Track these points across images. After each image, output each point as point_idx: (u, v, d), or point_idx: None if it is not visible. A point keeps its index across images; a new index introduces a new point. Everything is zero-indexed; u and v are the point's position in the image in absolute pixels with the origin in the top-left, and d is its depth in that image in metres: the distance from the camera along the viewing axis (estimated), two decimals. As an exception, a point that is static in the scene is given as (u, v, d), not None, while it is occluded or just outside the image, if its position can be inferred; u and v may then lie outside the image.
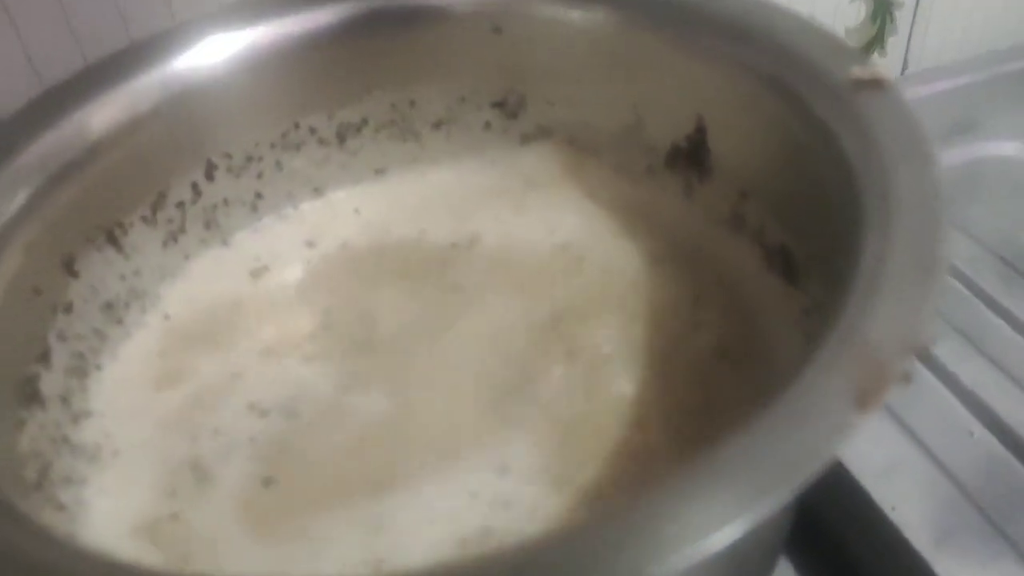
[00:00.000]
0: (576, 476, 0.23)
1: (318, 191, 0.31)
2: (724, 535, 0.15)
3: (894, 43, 0.47)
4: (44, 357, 0.24)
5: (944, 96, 0.45)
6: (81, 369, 0.25)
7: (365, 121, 0.31)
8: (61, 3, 0.32)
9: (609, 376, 0.25)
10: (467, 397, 0.25)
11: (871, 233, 0.19)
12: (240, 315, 0.28)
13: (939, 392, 0.33)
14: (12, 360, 0.23)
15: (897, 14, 0.46)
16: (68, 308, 0.25)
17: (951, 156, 0.41)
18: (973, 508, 0.29)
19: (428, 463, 0.23)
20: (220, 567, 0.21)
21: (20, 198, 0.24)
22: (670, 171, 0.29)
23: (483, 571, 0.15)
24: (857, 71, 0.23)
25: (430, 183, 0.31)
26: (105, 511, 0.22)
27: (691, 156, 0.29)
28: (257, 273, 0.29)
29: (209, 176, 0.29)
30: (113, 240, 0.27)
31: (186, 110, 0.27)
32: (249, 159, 0.29)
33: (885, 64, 0.47)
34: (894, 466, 0.30)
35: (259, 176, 0.30)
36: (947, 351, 0.34)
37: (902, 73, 0.48)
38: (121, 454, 0.24)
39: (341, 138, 0.31)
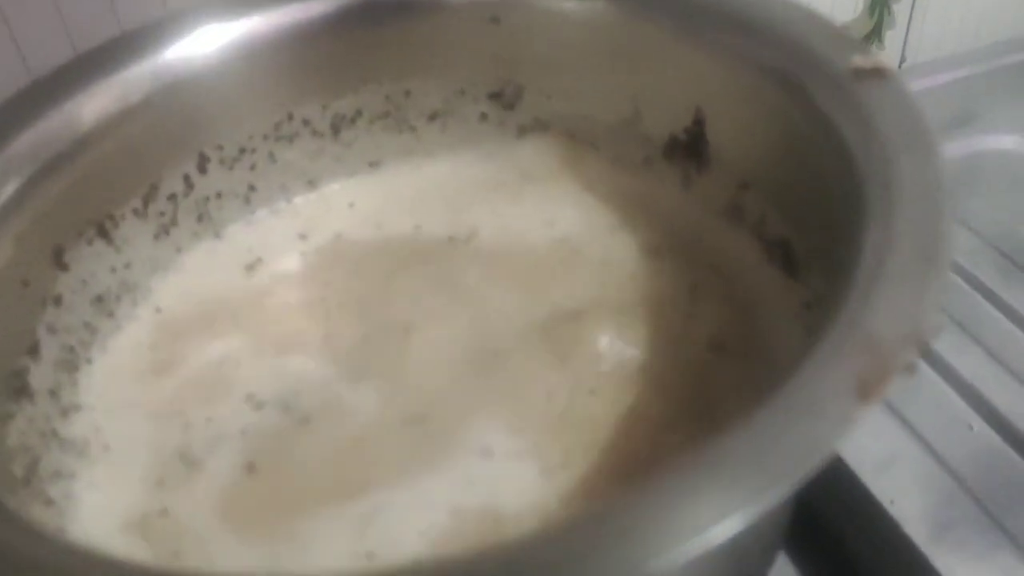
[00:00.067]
0: (572, 469, 0.22)
1: (312, 184, 0.31)
2: (724, 529, 0.14)
3: (892, 36, 0.47)
4: (33, 350, 0.24)
5: (942, 89, 0.45)
6: (71, 363, 0.25)
7: (359, 113, 0.30)
8: (51, -8, 0.31)
9: (606, 369, 0.25)
10: (463, 391, 0.25)
11: (873, 224, 0.19)
12: (233, 308, 0.28)
13: (938, 385, 0.33)
14: (0, 353, 0.22)
15: (895, 7, 0.46)
16: (58, 301, 0.25)
17: (950, 149, 0.41)
18: (972, 501, 0.29)
19: (423, 458, 0.23)
20: (211, 561, 0.21)
21: (9, 190, 0.23)
22: (668, 163, 0.29)
23: (481, 564, 0.15)
24: (859, 60, 0.22)
25: (425, 176, 0.31)
26: (95, 506, 0.22)
27: (689, 147, 0.28)
28: (251, 266, 0.29)
29: (201, 168, 0.28)
30: (104, 233, 0.26)
31: (178, 101, 0.27)
32: (242, 151, 0.29)
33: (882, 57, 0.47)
34: (892, 459, 0.30)
35: (252, 168, 0.30)
36: (946, 344, 0.34)
37: (900, 66, 0.48)
38: (111, 448, 0.24)
39: (335, 130, 0.30)
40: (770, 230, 0.26)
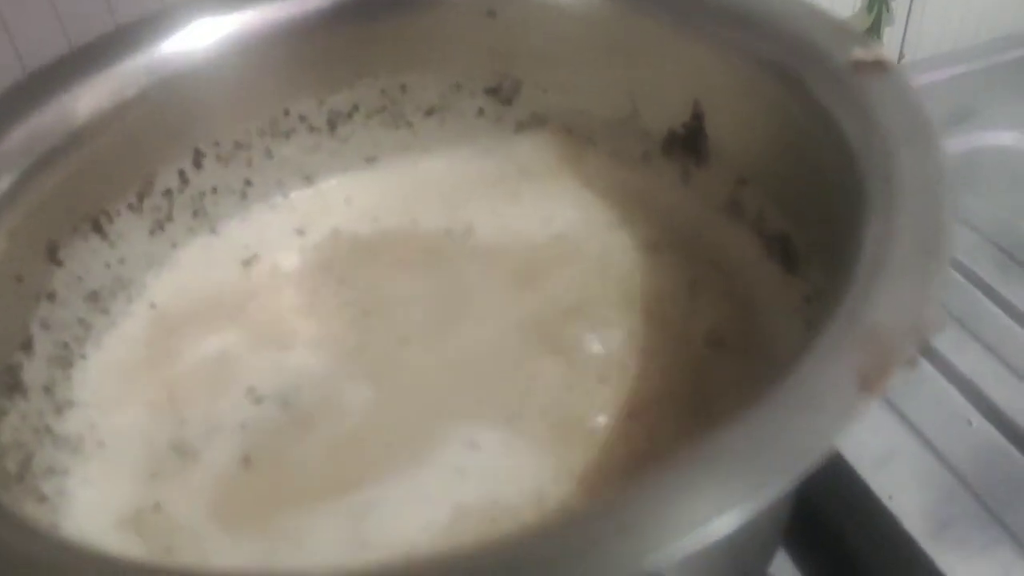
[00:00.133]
0: (572, 465, 0.22)
1: (308, 179, 0.31)
2: (723, 524, 0.14)
3: (890, 32, 0.47)
4: (27, 346, 0.23)
5: (941, 86, 0.45)
6: (65, 359, 0.25)
7: (356, 108, 0.30)
8: (45, -14, 0.31)
9: (606, 365, 0.25)
10: (461, 386, 0.25)
11: (873, 218, 0.19)
12: (229, 304, 0.27)
13: (937, 381, 0.33)
14: (-7, 349, 0.22)
15: (893, 3, 0.46)
16: (52, 296, 0.24)
17: (949, 146, 0.40)
18: (971, 497, 0.29)
19: (420, 453, 0.23)
20: (204, 556, 0.21)
21: (2, 184, 0.23)
22: (667, 158, 0.29)
23: (480, 560, 0.15)
24: (859, 52, 0.22)
25: (422, 171, 0.31)
26: (88, 502, 0.22)
27: (688, 142, 0.28)
28: (247, 262, 0.29)
29: (197, 163, 0.28)
30: (98, 228, 0.26)
31: (174, 96, 0.27)
32: (238, 146, 0.29)
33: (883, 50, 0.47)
34: (891, 455, 0.30)
35: (248, 164, 0.29)
36: (945, 340, 0.33)
37: (898, 63, 0.48)
38: (105, 444, 0.24)
39: (331, 125, 0.30)
40: (770, 225, 0.26)
